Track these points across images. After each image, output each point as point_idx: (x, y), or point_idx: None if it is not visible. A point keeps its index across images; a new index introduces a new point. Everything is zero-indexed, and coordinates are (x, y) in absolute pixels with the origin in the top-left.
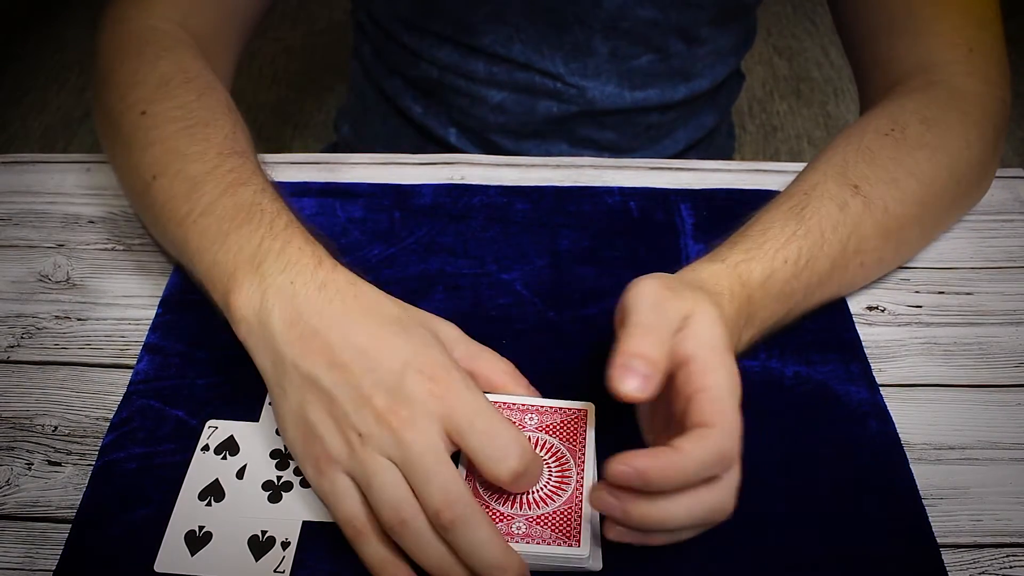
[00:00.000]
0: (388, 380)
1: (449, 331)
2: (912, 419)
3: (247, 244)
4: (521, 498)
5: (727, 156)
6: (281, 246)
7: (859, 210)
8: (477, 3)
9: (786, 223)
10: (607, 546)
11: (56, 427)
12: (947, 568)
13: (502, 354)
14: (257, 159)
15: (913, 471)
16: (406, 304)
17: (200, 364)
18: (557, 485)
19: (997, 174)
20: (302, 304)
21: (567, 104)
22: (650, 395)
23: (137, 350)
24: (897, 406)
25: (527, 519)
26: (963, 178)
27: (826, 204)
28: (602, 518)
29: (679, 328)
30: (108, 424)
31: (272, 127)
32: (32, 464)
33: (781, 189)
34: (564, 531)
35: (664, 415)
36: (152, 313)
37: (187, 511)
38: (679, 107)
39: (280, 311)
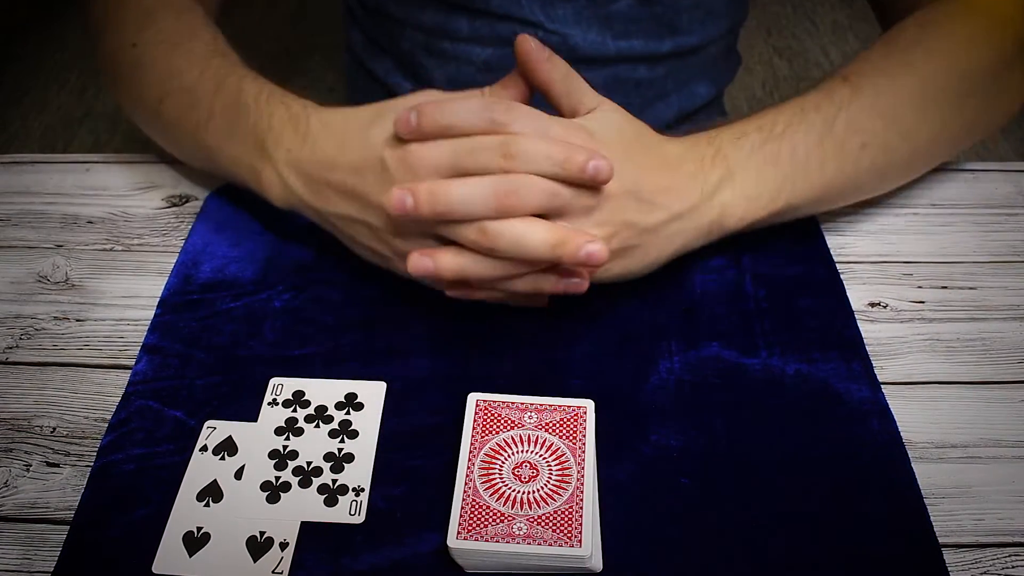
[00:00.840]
0: (378, 179)
1: (420, 97)
2: (914, 417)
3: (248, 134)
4: (521, 498)
5: None
6: (268, 123)
7: (846, 94)
8: None
9: (766, 108)
10: (608, 546)
11: (54, 428)
12: (948, 568)
13: (503, 355)
14: (237, 56)
15: (915, 470)
16: (371, 105)
17: (198, 364)
18: (557, 484)
19: (1001, 168)
20: (302, 164)
21: None
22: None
23: (135, 351)
24: (899, 404)
25: (528, 519)
26: (969, 75)
27: (811, 93)
28: (603, 519)
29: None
30: (107, 425)
31: None
32: (30, 465)
33: None
34: (565, 531)
35: None
36: (151, 314)
37: (185, 512)
38: (666, 61)
39: (294, 179)
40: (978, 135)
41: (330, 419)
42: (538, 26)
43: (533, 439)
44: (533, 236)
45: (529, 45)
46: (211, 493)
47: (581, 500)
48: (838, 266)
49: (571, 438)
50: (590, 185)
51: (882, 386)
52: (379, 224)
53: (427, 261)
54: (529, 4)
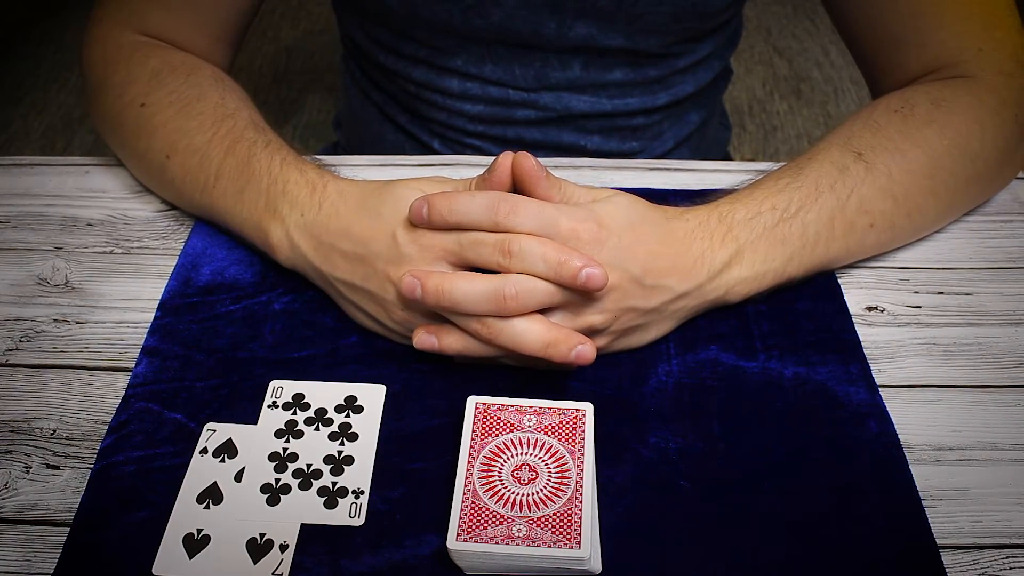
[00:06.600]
0: (388, 252)
1: (427, 185)
2: (912, 420)
3: (259, 196)
4: (521, 500)
5: (723, 146)
6: (282, 187)
7: (861, 173)
8: (446, 30)
9: (780, 178)
10: (607, 547)
11: (55, 430)
12: (947, 569)
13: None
14: (248, 113)
15: (913, 472)
16: (387, 181)
17: (198, 367)
18: (556, 486)
19: None
20: (315, 229)
21: (544, 111)
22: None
23: (135, 353)
24: (897, 407)
25: (527, 521)
26: (976, 157)
27: (826, 166)
28: (602, 521)
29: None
30: (107, 427)
31: (272, 127)
32: (30, 467)
33: None
34: (564, 533)
35: None
36: (150, 316)
37: (185, 514)
38: (663, 110)
39: (304, 242)
40: (977, 204)
41: (330, 422)
42: (531, 90)
43: (532, 442)
44: (530, 335)
45: (530, 163)
46: (211, 495)
47: (580, 502)
48: (835, 271)
49: (570, 441)
50: (582, 292)
51: (880, 389)
52: (382, 294)
53: (432, 339)
54: (523, 73)
